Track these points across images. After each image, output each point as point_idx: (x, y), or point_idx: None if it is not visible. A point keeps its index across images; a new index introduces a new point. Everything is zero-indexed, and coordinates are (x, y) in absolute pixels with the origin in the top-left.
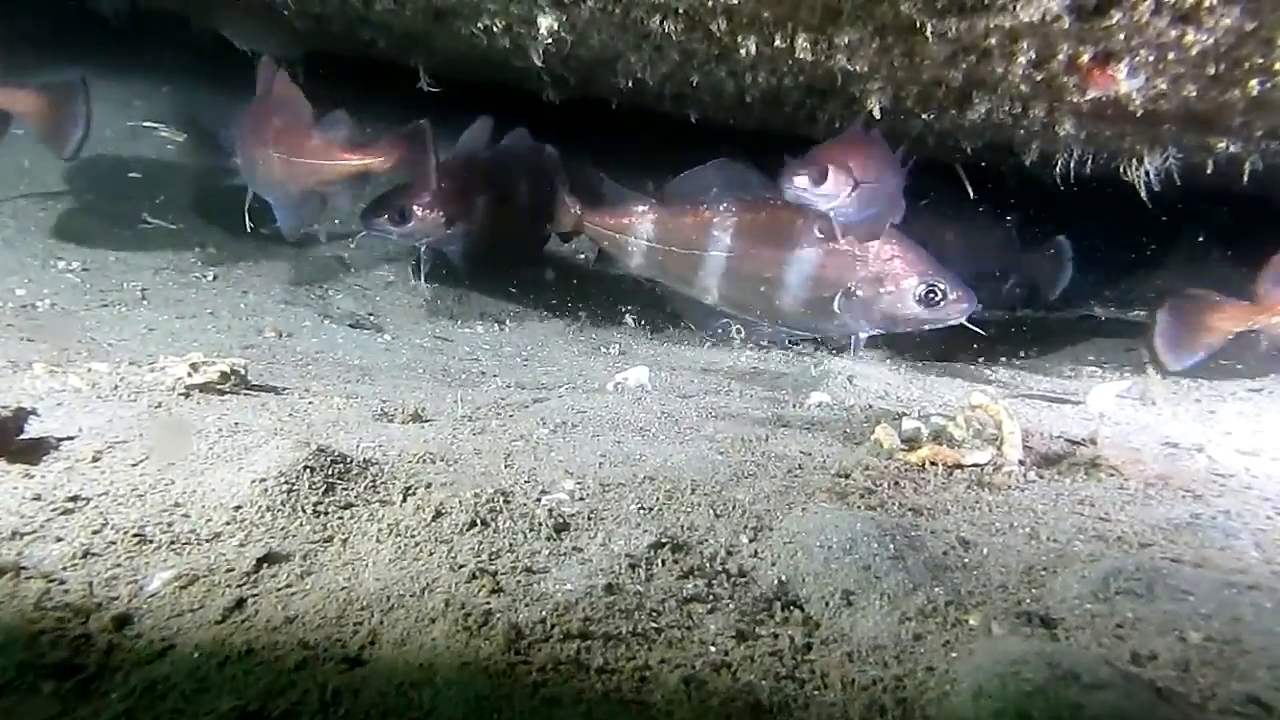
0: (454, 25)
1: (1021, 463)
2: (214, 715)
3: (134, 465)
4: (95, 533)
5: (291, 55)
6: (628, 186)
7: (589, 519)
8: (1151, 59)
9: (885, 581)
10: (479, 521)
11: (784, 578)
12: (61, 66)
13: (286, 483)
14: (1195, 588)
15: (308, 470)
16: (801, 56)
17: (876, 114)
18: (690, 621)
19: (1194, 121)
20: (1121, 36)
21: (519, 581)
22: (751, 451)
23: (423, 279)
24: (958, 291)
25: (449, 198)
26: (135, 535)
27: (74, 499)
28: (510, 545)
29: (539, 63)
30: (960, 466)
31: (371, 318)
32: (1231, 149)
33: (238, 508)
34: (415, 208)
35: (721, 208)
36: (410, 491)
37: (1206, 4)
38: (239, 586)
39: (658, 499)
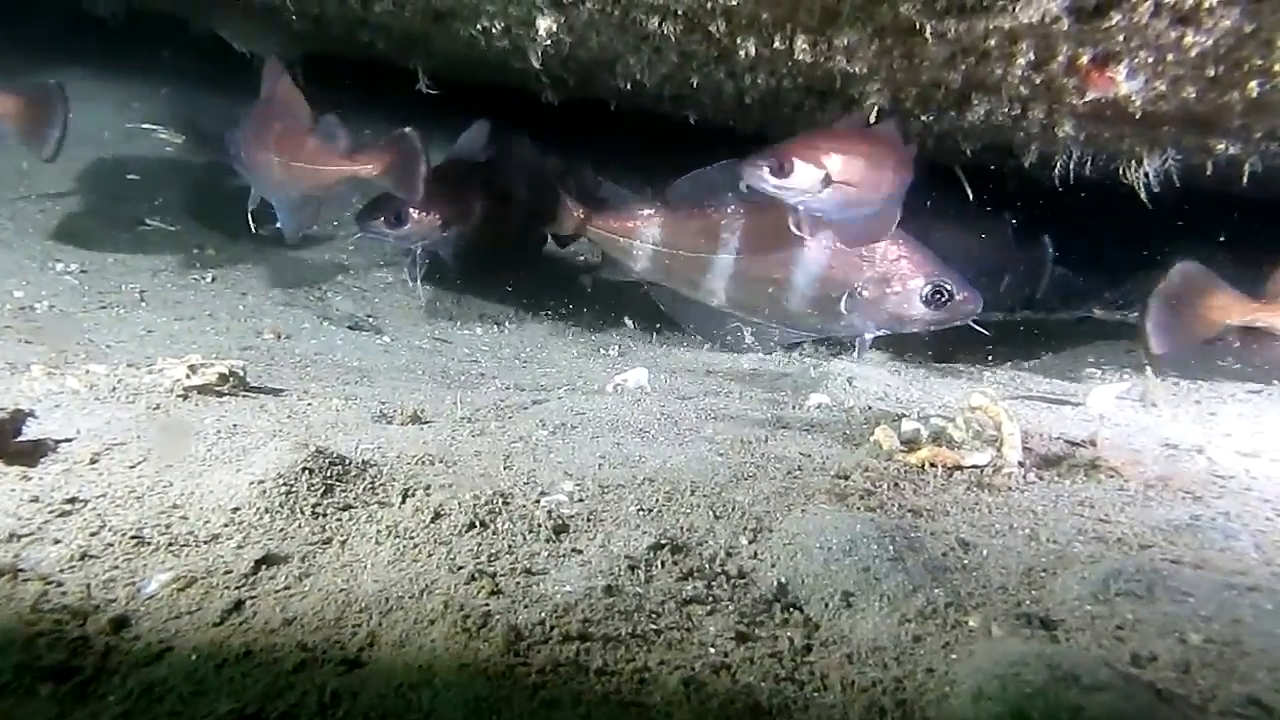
0: (453, 27)
1: (1021, 464)
2: (212, 717)
3: (132, 467)
4: (93, 535)
5: (290, 56)
6: (626, 189)
7: (588, 520)
8: (1151, 61)
9: (885, 583)
10: (478, 523)
11: (783, 579)
12: (59, 68)
13: (285, 484)
14: (1195, 589)
15: (306, 472)
16: (800, 58)
17: (873, 117)
18: (690, 623)
19: (1193, 123)
20: (1121, 38)
21: (518, 583)
22: (751, 453)
23: (418, 281)
24: (964, 292)
25: (445, 200)
26: (133, 537)
27: (72, 501)
28: (509, 547)
29: (537, 64)
30: (960, 468)
31: (370, 319)
32: (1231, 151)
33: (236, 509)
34: (411, 210)
35: (729, 210)
36: (409, 493)
37: (1206, 5)
38: (237, 588)
39: (657, 500)
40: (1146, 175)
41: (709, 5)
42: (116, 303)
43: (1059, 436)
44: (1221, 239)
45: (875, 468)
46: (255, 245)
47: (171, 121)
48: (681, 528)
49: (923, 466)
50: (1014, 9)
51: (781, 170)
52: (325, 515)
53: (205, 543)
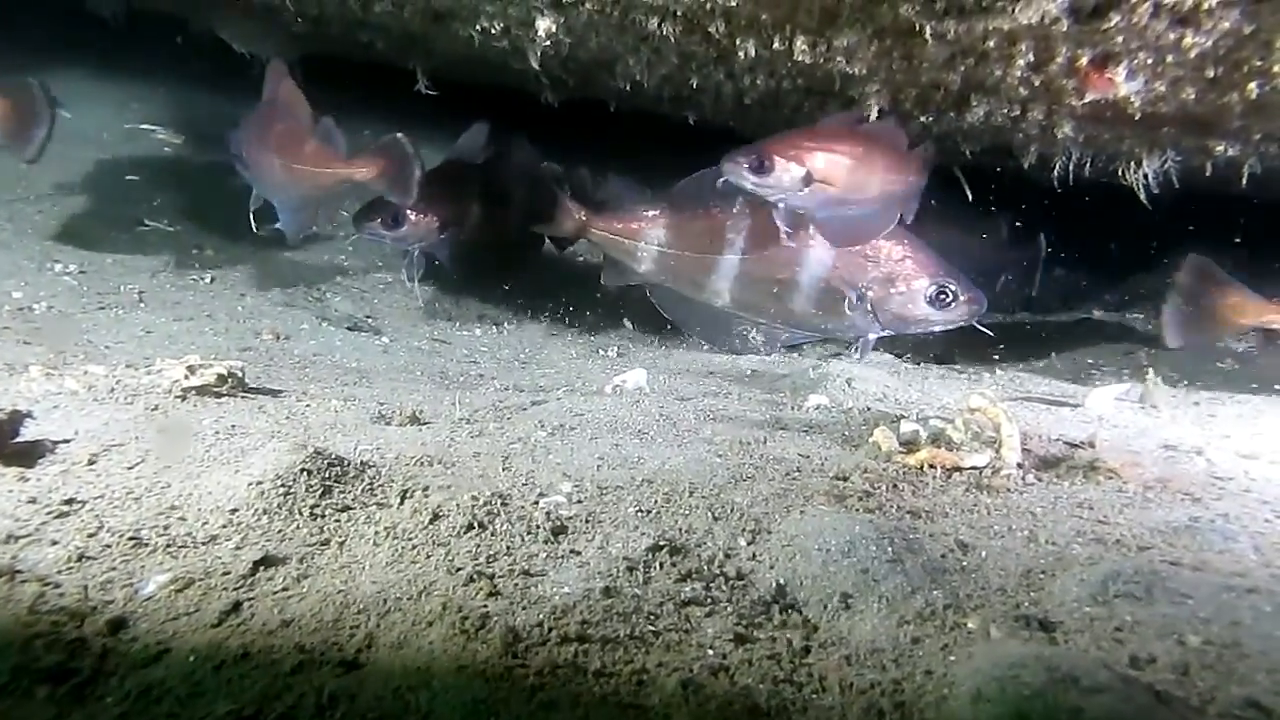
0: (452, 27)
1: (1020, 465)
2: (210, 719)
3: (130, 468)
4: (91, 536)
5: (289, 57)
6: (634, 185)
7: (587, 522)
8: (1150, 62)
9: (883, 584)
10: (476, 524)
11: (782, 581)
12: (59, 68)
13: (283, 485)
14: (1194, 591)
15: (304, 473)
16: (800, 59)
17: (874, 117)
18: (688, 624)
19: (1192, 124)
20: (1120, 39)
21: (516, 584)
22: (750, 454)
23: (415, 282)
24: (969, 293)
25: (442, 203)
26: (131, 538)
27: (69, 502)
28: (507, 548)
29: (537, 65)
30: (959, 469)
31: (369, 320)
32: (1230, 152)
33: (234, 511)
34: (407, 212)
35: (734, 210)
36: (407, 494)
37: (1205, 7)
38: (235, 590)
39: (656, 502)
40: (1146, 177)
41: (708, 6)
42: (115, 303)
43: (1058, 438)
44: (1237, 240)
45: (874, 469)
46: (254, 246)
47: (170, 122)
48: (680, 529)
49: (921, 468)
50: (1013, 10)
51: (761, 168)
52: (323, 516)
53: (203, 544)
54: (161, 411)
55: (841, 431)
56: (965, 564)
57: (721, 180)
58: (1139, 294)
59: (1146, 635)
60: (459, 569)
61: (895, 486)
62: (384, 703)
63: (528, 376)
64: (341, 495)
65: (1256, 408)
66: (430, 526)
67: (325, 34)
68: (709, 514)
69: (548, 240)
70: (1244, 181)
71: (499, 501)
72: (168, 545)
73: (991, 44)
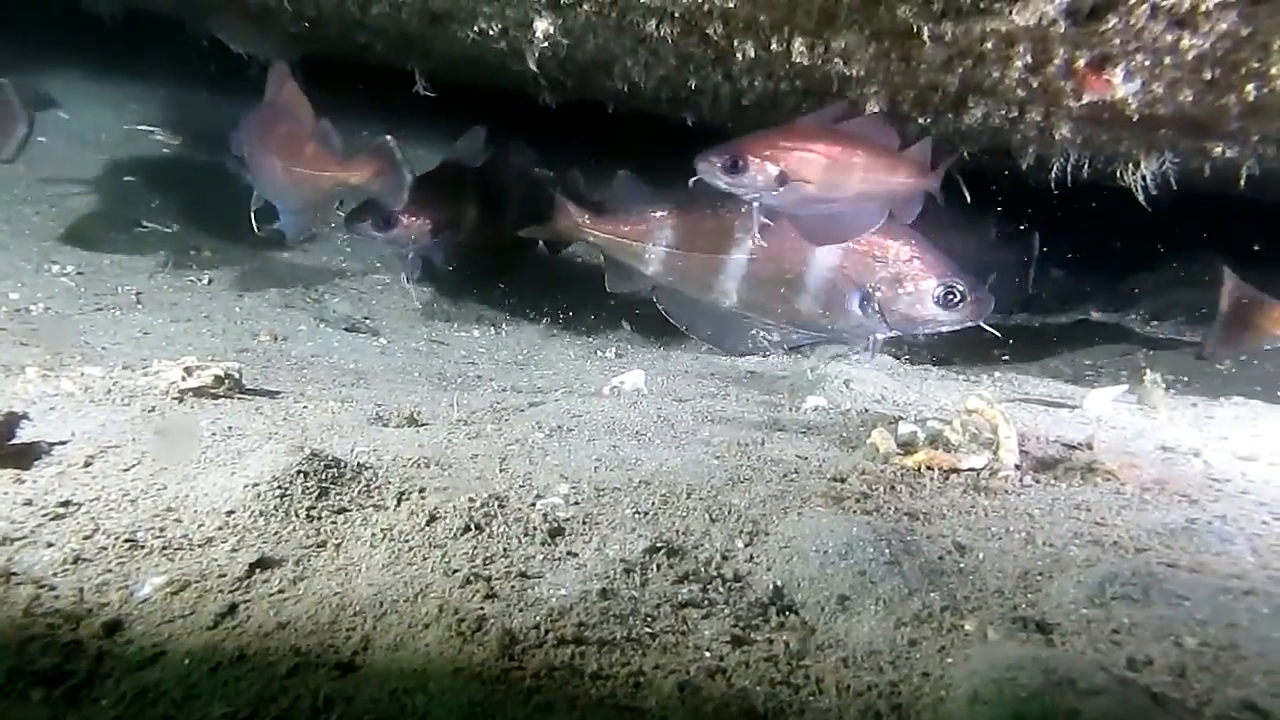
0: (450, 29)
1: (1018, 467)
2: None
3: (126, 470)
4: (86, 538)
5: (287, 58)
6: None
7: (584, 524)
8: (1148, 64)
9: (881, 586)
10: (473, 526)
11: (779, 583)
12: (57, 68)
13: (280, 487)
14: (1191, 593)
15: (301, 475)
16: (798, 60)
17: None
18: (685, 627)
19: (1190, 126)
20: (1118, 41)
21: (513, 587)
22: (747, 456)
23: (412, 284)
24: (976, 293)
25: (435, 206)
26: (127, 540)
27: (65, 504)
28: (504, 550)
29: (535, 67)
30: (956, 471)
31: (367, 321)
32: (1228, 154)
33: (230, 512)
34: (399, 214)
35: (741, 210)
36: (404, 496)
37: (1203, 9)
38: (231, 592)
39: (653, 503)
40: (1144, 178)
41: (706, 7)
42: (113, 304)
43: (1055, 439)
44: (1255, 248)
45: (872, 471)
46: (252, 247)
47: (169, 123)
48: (677, 531)
49: (919, 469)
50: (1010, 12)
51: (735, 167)
52: (320, 518)
53: (199, 546)
54: (158, 413)
55: (839, 433)
56: (963, 566)
57: (694, 180)
58: (1137, 295)
59: (1143, 637)
60: (456, 571)
61: (893, 488)
62: (380, 705)
63: (525, 378)
64: (338, 497)
65: (1254, 410)
66: (427, 528)
67: (323, 35)
68: (706, 516)
69: (540, 242)
70: (1242, 183)
71: (496, 503)
72: (164, 547)
73: (989, 45)
